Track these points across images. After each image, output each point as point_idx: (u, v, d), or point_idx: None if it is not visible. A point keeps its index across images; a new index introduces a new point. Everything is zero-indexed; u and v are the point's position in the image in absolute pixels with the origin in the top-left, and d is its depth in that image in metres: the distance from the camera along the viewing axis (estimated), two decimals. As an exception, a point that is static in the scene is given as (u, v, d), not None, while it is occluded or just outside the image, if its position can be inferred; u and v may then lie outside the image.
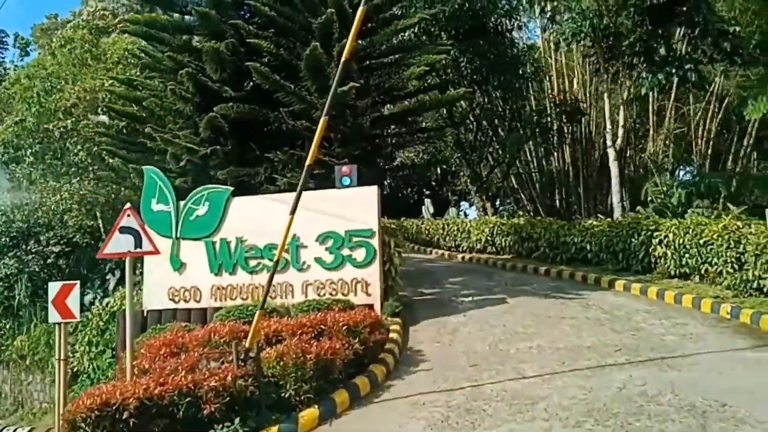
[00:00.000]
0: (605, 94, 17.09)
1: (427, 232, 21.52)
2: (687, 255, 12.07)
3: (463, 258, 18.53)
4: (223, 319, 9.79)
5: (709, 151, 18.99)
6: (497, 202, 21.98)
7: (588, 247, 15.17)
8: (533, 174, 22.19)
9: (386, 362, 8.13)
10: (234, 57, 12.29)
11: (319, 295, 10.50)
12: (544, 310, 10.60)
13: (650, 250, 13.13)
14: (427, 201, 29.31)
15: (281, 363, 7.04)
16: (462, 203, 31.12)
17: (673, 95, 18.90)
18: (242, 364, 6.80)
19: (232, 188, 11.42)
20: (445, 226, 20.48)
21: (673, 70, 14.80)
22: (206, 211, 11.49)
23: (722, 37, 14.71)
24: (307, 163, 6.04)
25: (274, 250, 10.62)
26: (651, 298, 11.24)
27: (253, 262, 10.93)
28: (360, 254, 10.45)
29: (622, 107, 16.81)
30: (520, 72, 18.79)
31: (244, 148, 12.42)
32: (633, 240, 13.66)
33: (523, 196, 23.10)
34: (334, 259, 10.59)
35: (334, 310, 9.03)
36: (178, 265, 11.63)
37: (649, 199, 17.51)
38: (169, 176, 13.55)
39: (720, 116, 18.81)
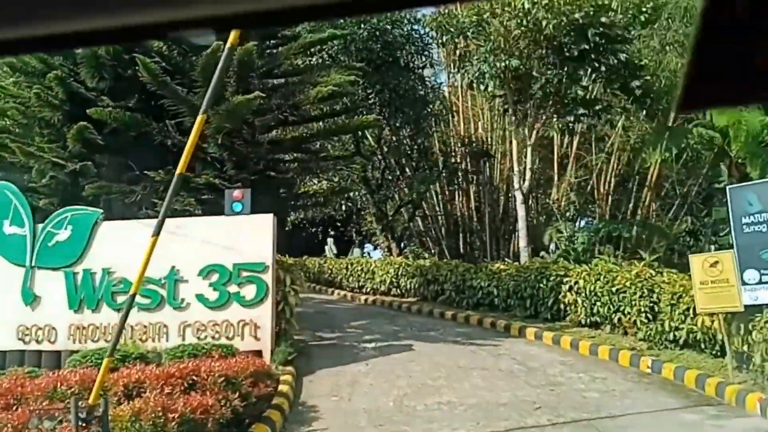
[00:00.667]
0: (513, 135, 16.84)
1: (329, 271, 20.28)
2: (599, 303, 11.60)
3: (366, 300, 17.42)
4: (77, 365, 8.16)
5: (610, 199, 19.23)
6: (402, 244, 21.18)
7: (495, 291, 14.51)
8: (439, 216, 21.70)
9: (272, 421, 6.80)
10: (115, 62, 10.78)
11: (198, 338, 9.01)
12: (453, 359, 9.64)
13: (560, 296, 12.61)
14: (330, 240, 28.12)
15: (137, 424, 5.61)
16: (366, 245, 30.22)
17: (575, 143, 19.11)
18: (83, 425, 5.31)
19: (101, 211, 9.79)
20: (349, 266, 19.35)
21: (582, 112, 14.71)
22: (68, 236, 9.79)
23: (632, 79, 14.84)
24: (178, 171, 4.77)
25: (150, 285, 9.08)
26: (564, 348, 10.58)
27: (121, 298, 9.26)
28: (249, 291, 9.11)
29: (529, 149, 16.60)
30: (428, 110, 18.31)
31: (120, 165, 10.82)
32: (542, 286, 13.12)
33: (429, 238, 22.50)
34: (219, 296, 9.18)
35: (213, 357, 7.62)
36: (31, 299, 9.84)
37: (552, 244, 17.28)
38: (36, 196, 11.66)
39: (620, 166, 19.15)
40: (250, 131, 10.70)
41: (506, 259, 16.50)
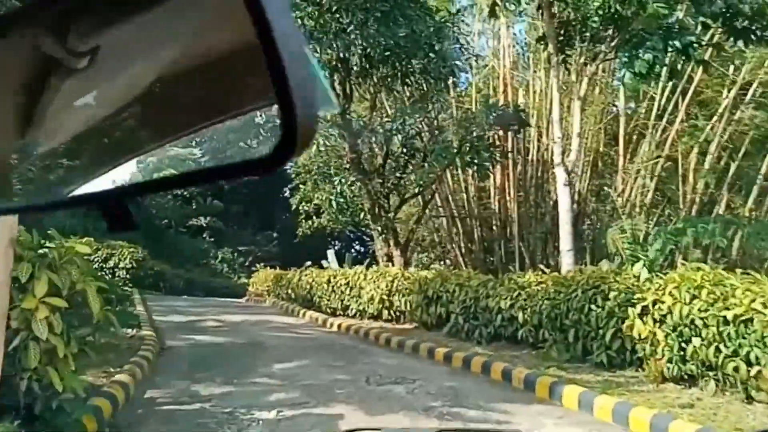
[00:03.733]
0: (554, 85, 11.54)
1: (307, 287, 15.34)
2: (699, 340, 6.26)
3: (340, 326, 12.29)
4: None
5: (698, 190, 13.62)
6: (408, 250, 16.07)
7: (521, 317, 9.26)
8: (456, 211, 16.51)
9: None
10: None
11: None
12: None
13: (626, 327, 7.29)
14: (330, 252, 22.66)
15: None
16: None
17: (656, 102, 13.63)
18: None
19: None
20: (331, 279, 14.39)
21: (672, 44, 9.45)
22: None
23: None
24: None
25: None
26: (637, 436, 5.28)
27: None
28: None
29: (577, 105, 11.34)
30: (440, 51, 13.14)
31: None
32: (595, 308, 7.83)
33: (442, 242, 17.36)
34: None
35: None
36: None
37: (613, 251, 11.86)
38: None
39: (721, 142, 13.52)
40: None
41: (541, 268, 11.12)
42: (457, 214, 16.70)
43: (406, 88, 15.20)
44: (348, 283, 13.85)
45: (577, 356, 8.10)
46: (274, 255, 32.52)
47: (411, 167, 15.76)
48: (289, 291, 16.30)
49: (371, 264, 15.88)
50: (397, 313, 12.61)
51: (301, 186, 23.20)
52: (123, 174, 0.69)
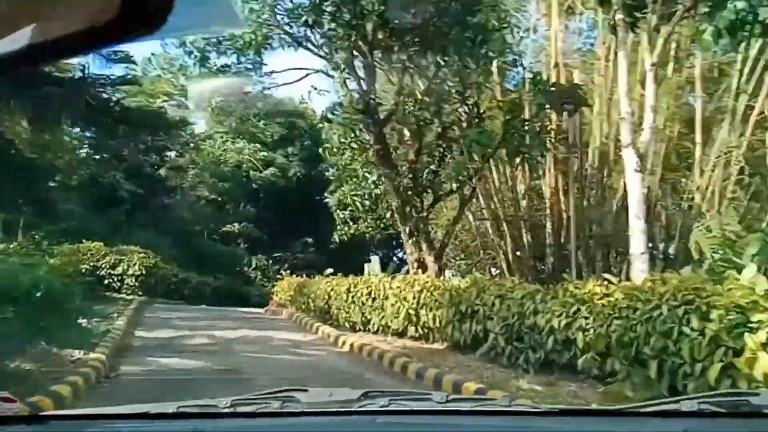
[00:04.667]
0: (621, 53, 9.20)
1: (325, 297, 13.26)
2: None
3: (352, 347, 10.10)
4: None
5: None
6: (443, 256, 13.86)
7: (580, 339, 6.99)
8: (505, 207, 14.19)
9: None
10: None
11: None
12: None
13: (743, 361, 4.96)
14: (375, 258, 20.64)
15: None
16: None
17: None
18: None
19: None
20: (351, 289, 12.31)
21: None
22: None
23: None
24: None
25: None
26: None
27: None
28: None
29: (649, 74, 9.00)
30: (481, 23, 10.95)
31: None
32: (690, 332, 5.52)
33: (486, 246, 15.06)
34: None
35: None
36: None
37: (696, 256, 9.41)
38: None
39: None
40: None
41: (605, 276, 8.70)
42: (503, 214, 14.40)
43: (440, 68, 13.09)
44: (370, 293, 11.75)
45: (661, 396, 5.78)
46: (310, 262, 30.87)
47: (448, 161, 13.63)
48: (309, 302, 14.31)
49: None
50: (425, 330, 10.45)
51: (338, 189, 21.68)
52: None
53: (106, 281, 16.89)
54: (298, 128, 32.75)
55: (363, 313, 11.78)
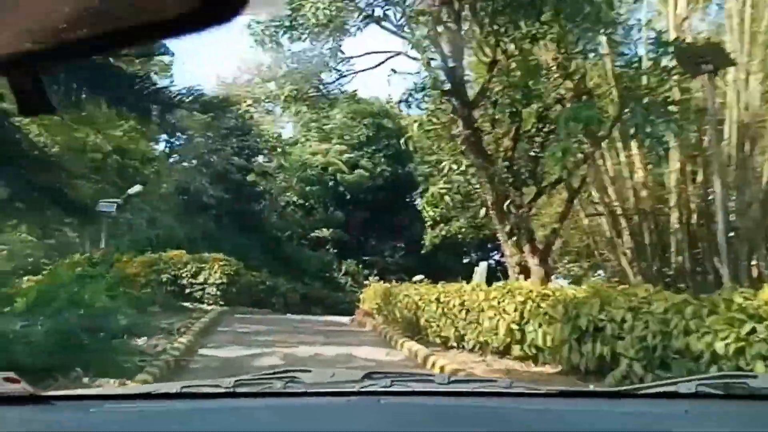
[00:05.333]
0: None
1: (412, 307, 11.55)
2: None
3: (442, 371, 8.35)
4: None
5: None
6: (549, 259, 11.86)
7: (760, 367, 5.00)
8: (622, 200, 12.03)
9: None
10: None
11: None
12: None
13: None
14: (483, 264, 18.39)
15: None
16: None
17: None
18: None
19: None
20: (441, 298, 10.61)
21: None
22: None
23: None
24: None
25: None
26: None
27: None
28: None
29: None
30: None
31: None
32: None
33: (610, 249, 12.90)
34: None
35: None
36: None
37: None
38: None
39: None
40: None
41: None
42: (621, 209, 12.28)
43: (537, 39, 11.18)
44: (463, 304, 10.02)
45: None
46: (401, 266, 29.61)
47: (552, 146, 11.66)
48: (395, 311, 12.76)
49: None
50: (533, 350, 8.61)
51: (428, 189, 20.40)
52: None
53: (187, 291, 16.17)
54: (385, 128, 31.58)
55: (456, 327, 10.07)
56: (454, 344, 10.07)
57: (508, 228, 11.35)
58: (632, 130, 10.26)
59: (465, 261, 28.89)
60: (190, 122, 29.02)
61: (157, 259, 16.29)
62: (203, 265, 16.41)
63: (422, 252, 24.70)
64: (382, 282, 17.41)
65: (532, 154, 11.85)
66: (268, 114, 37.34)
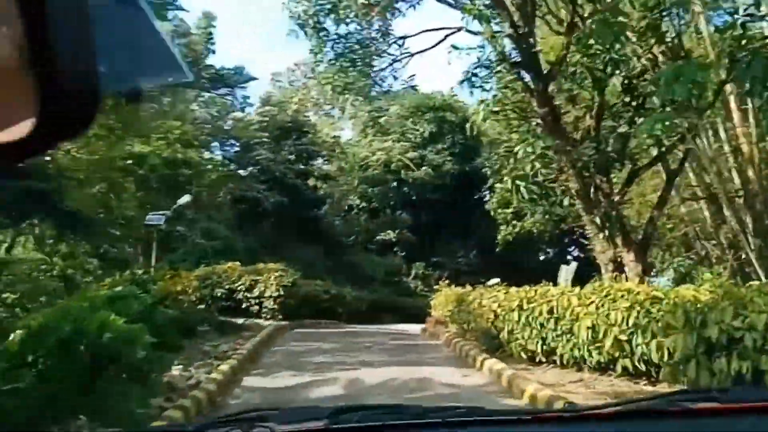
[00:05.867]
0: None
1: (490, 316, 9.98)
2: None
3: (534, 401, 6.77)
4: None
5: None
6: (647, 252, 10.08)
7: None
8: (729, 182, 10.14)
9: None
10: None
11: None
12: None
13: None
14: (573, 264, 16.33)
15: None
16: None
17: None
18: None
19: None
20: (524, 305, 9.05)
21: None
22: None
23: None
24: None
25: None
26: None
27: None
28: None
29: None
30: None
31: None
32: None
33: (717, 240, 11.00)
34: None
35: None
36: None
37: None
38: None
39: None
40: None
41: None
42: (729, 193, 10.39)
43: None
44: (552, 311, 8.45)
45: None
46: (473, 267, 28.07)
47: (643, 122, 9.91)
48: (470, 320, 11.28)
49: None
50: (644, 364, 6.98)
51: (497, 185, 18.99)
52: None
53: (244, 305, 15.19)
54: (449, 122, 30.03)
55: (544, 338, 8.51)
56: (543, 358, 8.52)
57: (597, 219, 9.70)
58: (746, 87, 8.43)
59: (542, 258, 27.00)
60: (243, 129, 28.58)
61: (211, 272, 15.39)
62: (258, 278, 15.39)
63: (496, 250, 23.11)
64: (453, 286, 15.92)
65: (620, 131, 10.14)
66: (327, 117, 36.62)
